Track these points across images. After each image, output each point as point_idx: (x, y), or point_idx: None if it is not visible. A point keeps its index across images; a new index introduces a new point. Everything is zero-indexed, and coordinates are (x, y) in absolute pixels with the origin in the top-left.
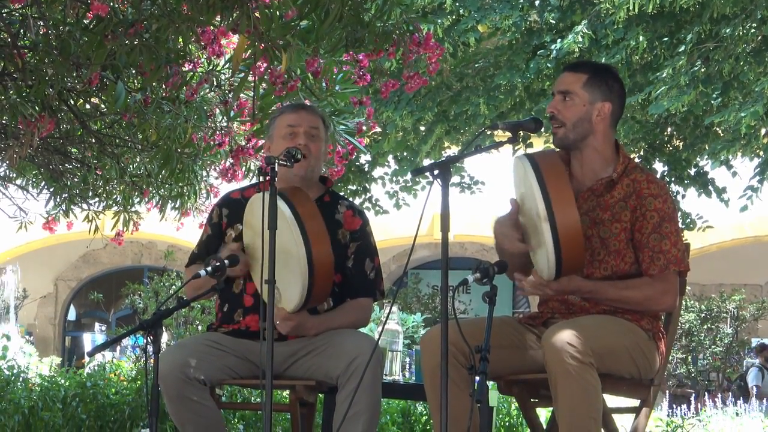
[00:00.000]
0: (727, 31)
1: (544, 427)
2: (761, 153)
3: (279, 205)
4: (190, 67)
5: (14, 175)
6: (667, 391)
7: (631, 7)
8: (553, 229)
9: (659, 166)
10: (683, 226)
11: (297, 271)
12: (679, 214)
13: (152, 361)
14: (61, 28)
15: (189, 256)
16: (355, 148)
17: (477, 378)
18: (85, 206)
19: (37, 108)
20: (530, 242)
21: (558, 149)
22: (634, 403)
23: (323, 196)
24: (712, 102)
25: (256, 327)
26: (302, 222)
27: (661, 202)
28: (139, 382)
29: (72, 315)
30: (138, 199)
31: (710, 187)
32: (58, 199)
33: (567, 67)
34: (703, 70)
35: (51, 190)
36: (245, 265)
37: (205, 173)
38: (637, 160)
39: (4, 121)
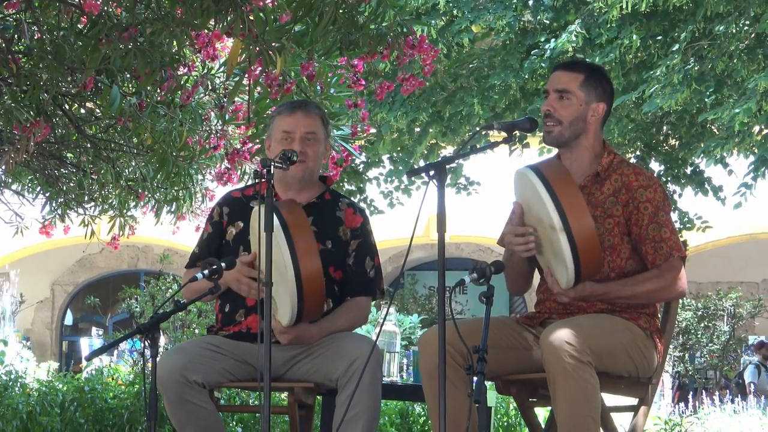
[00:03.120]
0: (721, 29)
1: (543, 426)
2: (755, 150)
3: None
4: (185, 70)
5: (10, 180)
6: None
7: (624, 6)
8: (570, 239)
9: (655, 166)
10: (680, 226)
11: (287, 293)
12: (676, 213)
13: (150, 364)
14: (55, 32)
15: (189, 256)
16: (351, 154)
17: (475, 378)
18: (80, 211)
19: (32, 113)
20: (542, 253)
21: (552, 149)
22: (633, 401)
23: (324, 194)
24: (706, 100)
25: (257, 328)
26: (293, 242)
27: (652, 192)
28: (137, 386)
29: (69, 319)
30: (134, 203)
31: (706, 186)
32: (53, 204)
33: (561, 65)
34: (696, 68)
35: (47, 194)
36: (236, 280)
37: (200, 177)
38: (633, 159)
39: None
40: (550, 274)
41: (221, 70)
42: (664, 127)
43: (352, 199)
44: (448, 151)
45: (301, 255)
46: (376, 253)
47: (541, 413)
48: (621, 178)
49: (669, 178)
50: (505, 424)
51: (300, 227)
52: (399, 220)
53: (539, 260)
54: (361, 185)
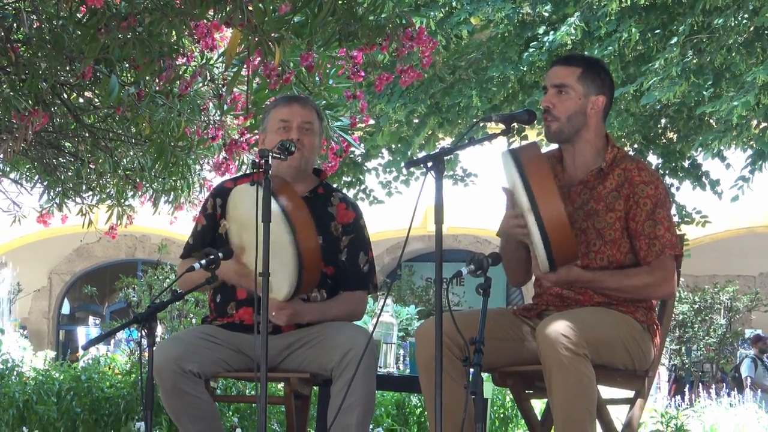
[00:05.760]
0: (719, 22)
1: (539, 418)
2: (753, 143)
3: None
4: (184, 60)
5: (8, 169)
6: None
7: None
8: (538, 220)
9: (653, 159)
10: (679, 220)
11: (285, 260)
12: (674, 207)
13: (147, 354)
14: (54, 22)
15: (183, 247)
16: (350, 145)
17: (471, 370)
18: (78, 200)
19: (30, 102)
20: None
21: (552, 144)
22: (629, 394)
23: (317, 188)
24: (704, 93)
25: (250, 320)
26: (287, 213)
27: (653, 188)
28: (133, 375)
29: (66, 308)
30: (131, 192)
31: (704, 180)
32: (51, 193)
33: (558, 60)
34: (695, 61)
35: (45, 183)
36: (237, 274)
37: (198, 167)
38: (631, 153)
39: None
40: (535, 258)
41: (220, 60)
42: (662, 120)
43: (350, 190)
44: (446, 142)
45: (298, 225)
46: (369, 247)
47: (537, 405)
48: (624, 172)
49: (667, 171)
50: (502, 416)
51: (294, 203)
52: (397, 211)
53: (530, 246)
54: (360, 176)
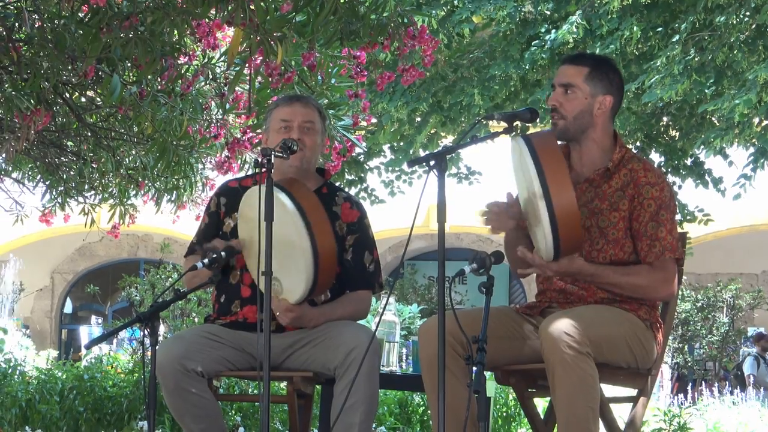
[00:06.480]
0: (721, 20)
1: (542, 417)
2: (755, 141)
3: (280, 197)
4: (186, 60)
5: (10, 168)
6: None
7: None
8: (549, 205)
9: (656, 157)
10: (681, 218)
11: (302, 263)
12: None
13: (149, 353)
14: (56, 21)
15: (188, 246)
16: (354, 145)
17: (474, 368)
18: (81, 199)
19: (32, 101)
20: (529, 224)
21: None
22: (632, 392)
23: (321, 188)
24: (706, 91)
25: (254, 318)
26: (305, 213)
27: (658, 190)
28: (136, 374)
29: (68, 308)
30: (134, 191)
31: (707, 178)
32: (54, 192)
33: (566, 59)
34: (696, 59)
35: (47, 183)
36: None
37: (200, 166)
38: (633, 151)
39: None
40: (534, 250)
41: (222, 59)
42: (664, 118)
43: (353, 189)
44: (448, 140)
45: (317, 228)
46: (374, 246)
47: (540, 404)
48: (630, 173)
49: (669, 170)
50: (504, 414)
51: (311, 204)
52: (399, 210)
53: (531, 235)
54: (362, 175)
